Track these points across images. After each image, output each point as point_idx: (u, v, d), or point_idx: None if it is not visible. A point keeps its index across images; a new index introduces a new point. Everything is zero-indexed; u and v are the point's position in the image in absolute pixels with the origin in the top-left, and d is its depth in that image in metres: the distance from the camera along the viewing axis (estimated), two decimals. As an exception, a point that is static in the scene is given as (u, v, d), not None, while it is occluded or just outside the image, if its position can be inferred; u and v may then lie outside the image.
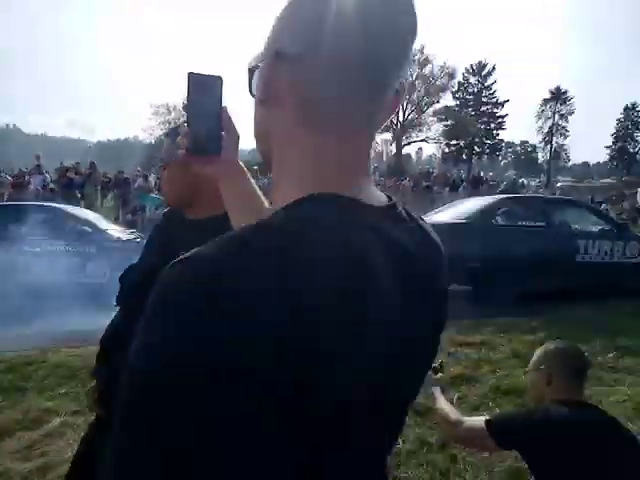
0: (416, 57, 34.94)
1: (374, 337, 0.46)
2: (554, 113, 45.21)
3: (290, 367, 0.40)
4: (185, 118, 0.70)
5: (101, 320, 1.70)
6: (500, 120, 42.94)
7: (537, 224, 6.61)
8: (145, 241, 1.58)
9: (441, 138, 38.71)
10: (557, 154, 46.87)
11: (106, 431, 0.44)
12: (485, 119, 42.29)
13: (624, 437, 1.57)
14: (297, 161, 0.53)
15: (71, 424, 2.97)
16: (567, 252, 6.47)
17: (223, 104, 0.70)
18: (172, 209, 1.51)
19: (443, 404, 1.82)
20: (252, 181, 0.79)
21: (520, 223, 6.68)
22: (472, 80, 42.92)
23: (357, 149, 0.53)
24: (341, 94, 0.50)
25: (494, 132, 42.98)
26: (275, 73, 0.52)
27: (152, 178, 14.25)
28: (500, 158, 49.81)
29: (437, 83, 35.90)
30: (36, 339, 4.38)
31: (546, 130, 45.78)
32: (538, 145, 48.10)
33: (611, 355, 4.27)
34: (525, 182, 23.28)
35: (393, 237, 0.51)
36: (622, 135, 46.14)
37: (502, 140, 45.09)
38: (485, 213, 6.56)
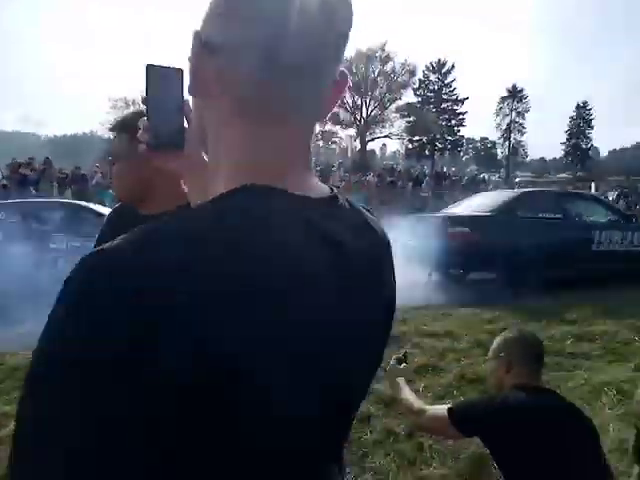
0: (378, 54, 35.30)
1: (299, 336, 0.44)
2: (511, 110, 46.56)
3: (203, 370, 0.38)
4: (145, 112, 0.67)
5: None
6: (460, 117, 43.88)
7: (555, 216, 7.07)
8: (97, 236, 1.51)
9: (404, 134, 39.23)
10: (515, 150, 48.27)
11: None
12: (446, 116, 43.10)
13: (580, 421, 1.62)
14: (230, 153, 0.51)
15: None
16: (584, 242, 6.96)
17: (185, 97, 0.67)
18: (123, 204, 1.46)
19: (407, 394, 1.83)
20: None
21: (540, 215, 7.10)
22: (432, 78, 43.65)
23: (292, 141, 0.52)
24: (269, 85, 0.49)
25: (455, 129, 43.88)
26: (202, 63, 0.50)
27: (111, 174, 13.79)
28: (462, 154, 50.83)
29: (399, 80, 36.34)
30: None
31: (504, 127, 47.13)
32: (497, 141, 49.45)
33: (569, 342, 4.42)
34: (486, 177, 23.83)
35: (328, 229, 0.50)
36: (575, 132, 47.87)
37: (463, 136, 46.14)
38: (509, 206, 6.97)
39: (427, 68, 43.25)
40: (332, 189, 0.57)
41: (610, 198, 19.57)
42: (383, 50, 35.40)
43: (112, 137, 1.35)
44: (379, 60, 35.63)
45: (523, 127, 47.25)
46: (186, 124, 0.68)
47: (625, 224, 7.44)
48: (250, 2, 0.48)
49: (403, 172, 20.98)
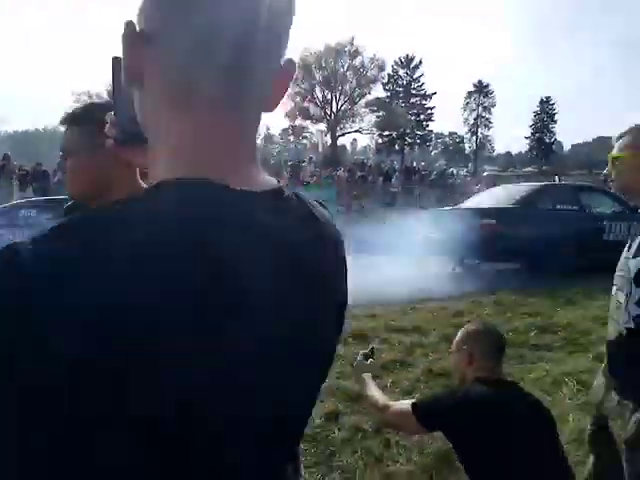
0: (347, 48, 35.35)
1: (217, 337, 0.42)
2: (478, 105, 47.44)
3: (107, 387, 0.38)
4: (112, 105, 0.66)
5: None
6: (429, 112, 44.44)
7: (572, 208, 7.58)
8: None
9: (374, 129, 39.49)
10: (483, 144, 49.25)
11: None
12: (415, 111, 43.58)
13: (539, 413, 1.65)
14: (165, 142, 0.50)
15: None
16: (596, 232, 7.39)
17: None
18: (75, 202, 1.40)
19: (373, 390, 1.83)
20: None
21: (558, 207, 7.53)
22: (401, 72, 44.04)
23: (230, 130, 0.50)
24: (203, 73, 0.48)
25: (424, 123, 44.42)
26: (136, 52, 0.49)
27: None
28: (431, 149, 51.51)
29: (368, 75, 36.51)
30: None
31: (471, 122, 47.98)
32: (465, 136, 50.32)
33: (533, 334, 4.53)
34: (455, 172, 24.19)
35: (267, 223, 0.48)
36: (539, 127, 49.14)
37: (432, 131, 46.78)
38: (530, 199, 7.42)
39: (396, 63, 43.65)
40: (279, 182, 0.55)
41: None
42: (352, 44, 35.51)
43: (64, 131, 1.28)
44: (348, 55, 35.71)
45: (490, 122, 48.26)
46: None
47: (631, 214, 7.88)
48: None
49: (373, 167, 21.10)
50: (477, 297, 5.77)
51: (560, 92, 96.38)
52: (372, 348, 2.07)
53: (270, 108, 0.55)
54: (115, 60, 0.62)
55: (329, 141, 38.32)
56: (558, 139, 51.22)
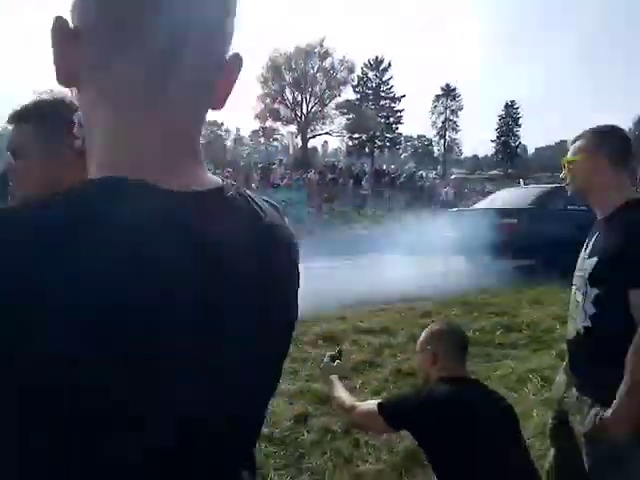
0: (316, 50, 35.44)
1: (123, 341, 0.41)
2: (446, 109, 48.32)
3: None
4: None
5: None
6: (398, 115, 44.93)
7: (580, 208, 7.96)
8: None
9: (344, 131, 39.68)
10: (450, 148, 50.14)
11: None
12: (384, 113, 43.99)
13: (502, 410, 1.68)
14: (98, 140, 0.49)
15: None
16: None
17: None
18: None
19: (340, 391, 1.83)
20: None
21: (569, 207, 7.76)
22: (370, 75, 44.41)
23: (159, 130, 0.48)
24: (134, 68, 0.47)
25: (393, 126, 44.90)
26: (66, 49, 0.48)
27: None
28: (400, 151, 52.11)
29: (337, 77, 36.67)
30: None
31: (439, 125, 48.83)
32: (433, 139, 51.13)
33: (498, 333, 4.63)
34: (424, 174, 24.58)
35: (187, 223, 0.46)
36: (505, 130, 50.38)
37: (401, 134, 47.32)
38: (545, 199, 7.75)
39: (365, 65, 43.98)
40: (223, 181, 0.54)
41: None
42: (321, 46, 35.59)
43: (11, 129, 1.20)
44: (318, 56, 35.78)
45: (457, 125, 49.19)
46: None
47: None
48: None
49: (344, 169, 21.22)
50: (445, 297, 5.86)
51: (525, 96, 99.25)
52: (339, 350, 2.08)
53: (217, 105, 0.54)
54: None
55: (300, 143, 38.33)
56: (523, 142, 52.65)
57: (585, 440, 1.60)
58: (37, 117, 1.12)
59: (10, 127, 1.18)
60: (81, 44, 0.47)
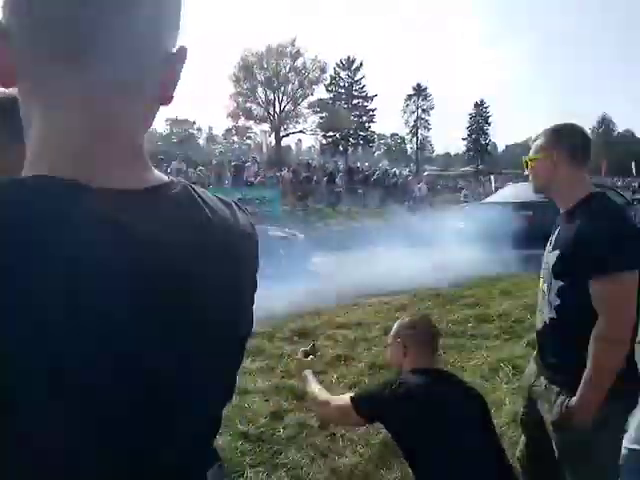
0: (288, 49, 35.35)
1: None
2: (417, 108, 48.91)
3: None
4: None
5: None
6: (371, 113, 45.28)
7: None
8: None
9: (318, 130, 39.71)
10: (423, 145, 50.79)
11: None
12: (357, 112, 44.26)
13: (472, 398, 1.70)
14: (32, 140, 0.48)
15: None
16: None
17: None
18: None
19: (313, 386, 1.83)
20: None
21: None
22: (342, 74, 44.62)
23: (98, 129, 0.47)
24: (63, 66, 0.46)
25: (366, 125, 45.20)
26: None
27: None
28: (374, 150, 52.50)
29: (310, 76, 36.65)
30: None
31: (412, 123, 49.39)
32: (406, 137, 51.70)
33: (471, 324, 4.70)
34: (397, 172, 24.77)
35: (122, 222, 0.44)
36: (475, 128, 51.32)
37: (374, 132, 47.66)
38: None
39: (337, 65, 44.13)
40: (170, 179, 0.52)
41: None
42: (293, 45, 35.51)
43: None
44: (289, 56, 35.68)
45: (428, 123, 49.84)
46: None
47: (630, 205, 9.88)
48: None
49: (318, 167, 21.23)
50: (419, 291, 5.91)
51: (494, 95, 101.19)
52: (313, 344, 2.07)
53: (162, 100, 0.52)
54: None
55: (273, 142, 38.16)
56: (493, 140, 53.71)
57: (553, 428, 1.63)
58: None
59: None
60: (11, 43, 0.46)
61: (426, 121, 49.53)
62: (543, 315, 1.69)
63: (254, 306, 0.60)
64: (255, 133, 44.77)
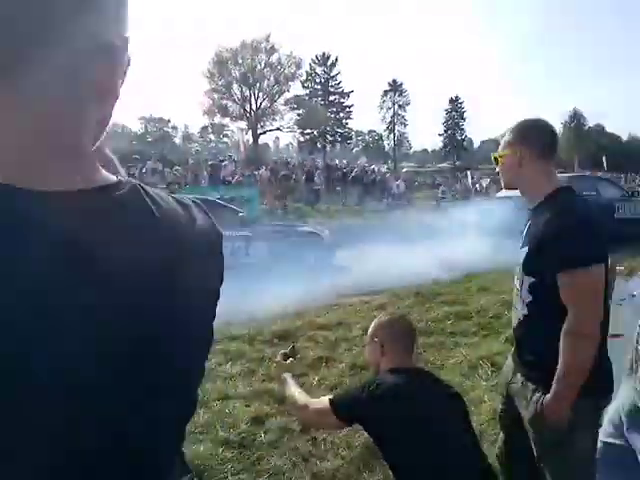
0: (262, 45, 35.11)
1: None
2: (394, 104, 49.11)
3: None
4: None
5: None
6: (348, 110, 45.32)
7: (591, 193, 9.38)
8: None
9: (295, 127, 39.56)
10: (400, 142, 51.04)
11: None
12: (334, 109, 44.23)
13: (452, 398, 1.71)
14: None
15: None
16: (610, 211, 9.44)
17: None
18: None
19: (292, 389, 1.81)
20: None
21: (584, 193, 8.43)
22: (318, 70, 44.53)
23: (29, 129, 0.46)
24: None
25: (344, 121, 45.23)
26: None
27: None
28: (352, 146, 52.54)
29: (285, 72, 36.48)
30: None
31: (388, 120, 49.60)
32: (383, 133, 51.87)
33: (450, 322, 4.74)
34: (375, 168, 24.83)
35: (56, 225, 0.43)
36: (451, 125, 51.81)
37: (352, 129, 47.75)
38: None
39: (313, 61, 44.02)
40: (118, 179, 0.51)
41: (484, 184, 21.58)
42: (267, 41, 35.29)
43: None
44: (264, 51, 35.45)
45: (405, 120, 50.11)
46: None
47: (629, 197, 10.58)
48: None
49: (296, 165, 21.15)
50: (399, 290, 5.94)
51: (471, 91, 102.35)
52: (292, 346, 2.05)
53: (100, 93, 0.50)
54: None
55: (250, 139, 37.89)
56: (469, 136, 54.30)
57: (529, 425, 1.64)
58: None
59: None
60: None
61: (403, 117, 49.83)
62: (517, 312, 1.71)
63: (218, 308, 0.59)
64: (232, 131, 44.38)
